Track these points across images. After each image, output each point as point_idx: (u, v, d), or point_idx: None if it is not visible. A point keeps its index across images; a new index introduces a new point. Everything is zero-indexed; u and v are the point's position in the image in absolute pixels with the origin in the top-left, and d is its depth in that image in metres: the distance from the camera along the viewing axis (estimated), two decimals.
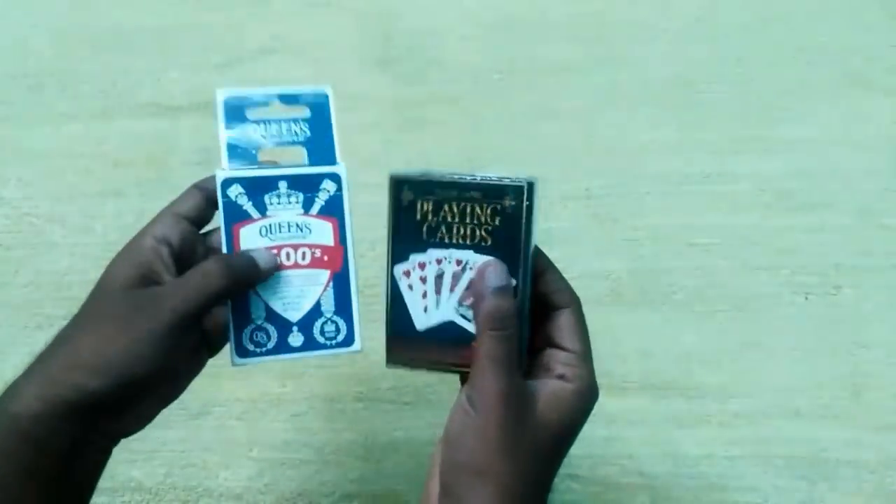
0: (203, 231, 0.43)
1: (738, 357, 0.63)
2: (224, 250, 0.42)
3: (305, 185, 0.42)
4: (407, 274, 0.40)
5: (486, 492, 0.36)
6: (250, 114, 0.43)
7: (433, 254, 0.40)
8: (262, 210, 0.42)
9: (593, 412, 0.39)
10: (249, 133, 0.43)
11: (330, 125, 0.44)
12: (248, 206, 0.42)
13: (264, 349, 0.42)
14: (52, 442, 0.37)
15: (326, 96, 0.44)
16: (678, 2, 0.72)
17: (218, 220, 0.42)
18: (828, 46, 0.69)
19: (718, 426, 0.62)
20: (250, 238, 0.42)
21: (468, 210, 0.40)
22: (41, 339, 0.39)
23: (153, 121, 0.72)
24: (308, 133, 0.43)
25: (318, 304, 0.42)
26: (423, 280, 0.40)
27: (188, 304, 0.38)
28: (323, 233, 0.42)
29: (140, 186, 0.70)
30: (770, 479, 0.60)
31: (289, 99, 0.43)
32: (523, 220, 0.40)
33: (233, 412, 0.65)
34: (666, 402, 0.62)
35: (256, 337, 0.42)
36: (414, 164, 0.69)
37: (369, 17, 0.74)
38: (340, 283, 0.42)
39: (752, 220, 0.66)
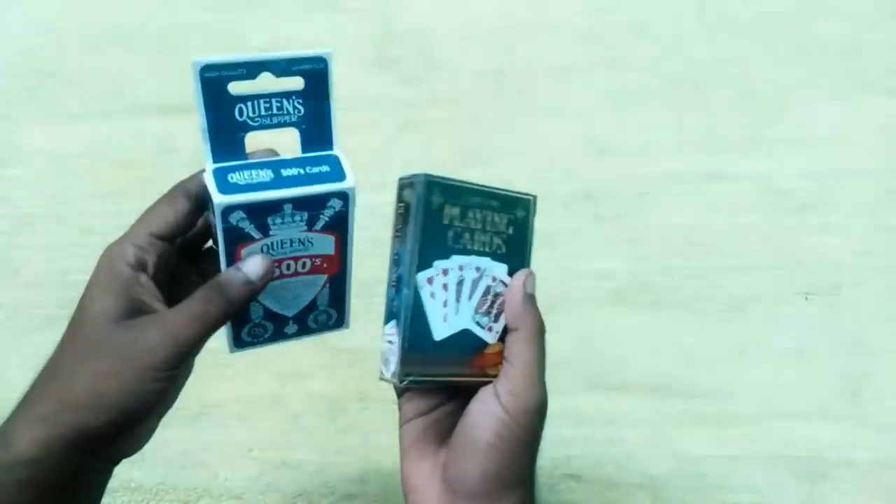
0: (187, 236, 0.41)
1: (738, 357, 0.63)
2: (223, 269, 0.39)
3: (311, 205, 0.39)
4: (430, 281, 0.39)
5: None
6: (233, 88, 0.37)
7: (456, 260, 0.40)
8: (265, 231, 0.39)
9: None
10: (233, 114, 0.37)
11: (328, 99, 0.39)
12: (249, 228, 0.38)
13: (261, 339, 0.43)
14: (51, 481, 0.36)
15: (325, 62, 0.38)
16: (678, 2, 0.71)
17: (216, 241, 0.39)
18: (828, 46, 0.69)
19: (718, 426, 0.62)
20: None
21: (488, 218, 0.41)
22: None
23: (153, 121, 0.72)
24: (301, 111, 0.38)
25: (314, 301, 0.42)
26: (446, 287, 0.40)
27: (189, 335, 0.37)
28: (325, 245, 0.41)
29: (140, 186, 0.70)
30: (770, 479, 0.60)
31: (281, 67, 0.37)
32: (530, 231, 0.43)
33: (233, 412, 0.65)
34: (666, 402, 0.62)
35: (254, 332, 0.42)
36: (414, 164, 0.69)
37: (369, 17, 0.74)
38: (337, 282, 0.42)
39: (752, 220, 0.66)
